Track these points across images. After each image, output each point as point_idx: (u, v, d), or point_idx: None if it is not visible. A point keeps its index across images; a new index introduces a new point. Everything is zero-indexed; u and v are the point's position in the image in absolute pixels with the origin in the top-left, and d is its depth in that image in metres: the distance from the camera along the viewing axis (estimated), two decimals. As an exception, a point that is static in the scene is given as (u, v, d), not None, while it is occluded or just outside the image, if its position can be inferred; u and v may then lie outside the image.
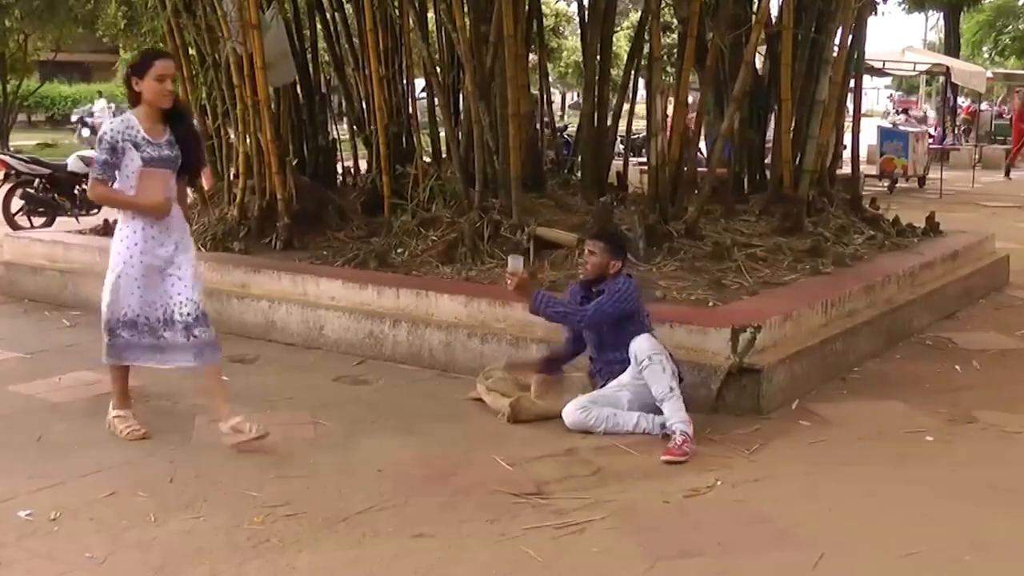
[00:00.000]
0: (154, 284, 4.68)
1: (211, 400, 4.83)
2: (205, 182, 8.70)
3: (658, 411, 4.77)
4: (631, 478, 4.33)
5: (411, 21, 8.73)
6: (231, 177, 8.66)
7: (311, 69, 9.43)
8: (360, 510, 3.97)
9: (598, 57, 8.66)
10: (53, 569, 3.51)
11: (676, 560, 3.59)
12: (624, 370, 4.93)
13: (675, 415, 4.67)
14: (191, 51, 8.94)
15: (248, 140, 8.26)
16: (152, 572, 3.50)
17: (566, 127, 16.84)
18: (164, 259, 4.68)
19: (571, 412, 4.89)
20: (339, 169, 9.74)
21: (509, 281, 5.05)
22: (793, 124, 8.37)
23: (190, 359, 4.71)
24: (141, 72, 4.58)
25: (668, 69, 12.21)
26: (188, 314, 4.68)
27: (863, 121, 10.42)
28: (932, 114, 31.96)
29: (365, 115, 9.15)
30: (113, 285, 4.68)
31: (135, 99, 4.65)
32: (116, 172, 4.62)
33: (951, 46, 32.67)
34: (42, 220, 12.02)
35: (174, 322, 4.68)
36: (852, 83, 9.23)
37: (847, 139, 10.54)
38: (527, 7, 8.15)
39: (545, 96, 9.94)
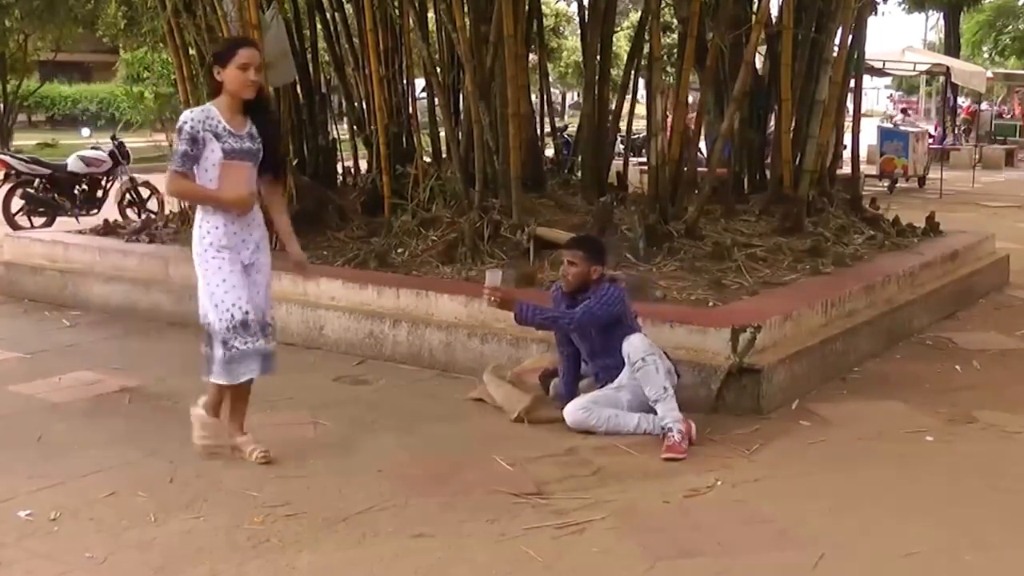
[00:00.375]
0: (246, 287, 4.40)
1: (235, 409, 4.56)
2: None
3: (655, 412, 4.77)
4: (631, 478, 4.34)
5: (411, 21, 8.73)
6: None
7: (311, 69, 9.43)
8: (360, 510, 3.97)
9: (598, 57, 8.66)
10: (53, 569, 3.51)
11: (676, 560, 3.59)
12: (620, 372, 4.94)
13: (669, 414, 4.68)
14: (191, 51, 8.94)
15: (248, 140, 8.25)
16: (152, 572, 3.50)
17: (566, 127, 16.83)
18: (245, 257, 4.42)
19: (573, 412, 4.89)
20: (339, 169, 9.74)
21: (491, 297, 4.98)
22: (793, 124, 8.37)
23: (269, 368, 4.48)
24: (224, 60, 4.32)
25: (668, 69, 12.21)
26: (269, 320, 4.50)
27: (863, 121, 10.42)
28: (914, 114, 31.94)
29: (365, 115, 9.15)
30: (207, 289, 4.35)
31: (216, 89, 4.38)
32: (195, 165, 4.33)
33: (951, 46, 32.69)
34: (42, 220, 12.02)
35: (260, 327, 4.44)
36: (852, 83, 9.23)
37: (847, 139, 10.55)
38: (527, 7, 8.16)
39: (545, 96, 9.93)
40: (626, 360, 4.83)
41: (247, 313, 4.32)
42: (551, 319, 5.05)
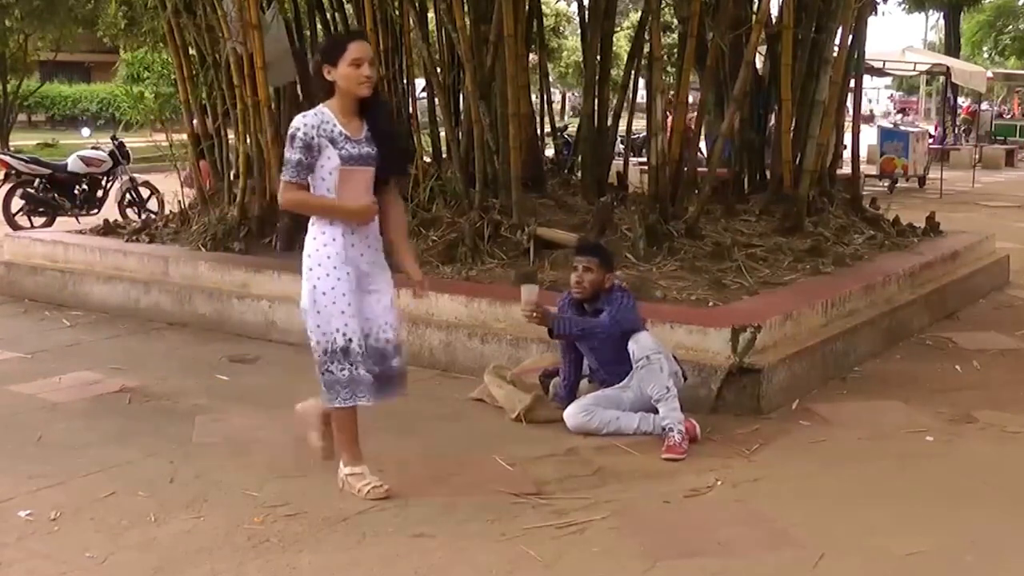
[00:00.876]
0: (361, 308, 4.06)
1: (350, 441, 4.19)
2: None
3: (657, 411, 4.76)
4: (631, 478, 4.34)
5: (411, 21, 8.72)
6: (231, 177, 8.66)
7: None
8: (360, 510, 3.97)
9: (598, 57, 8.66)
10: (53, 569, 3.51)
11: (676, 560, 3.59)
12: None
13: (671, 414, 4.67)
14: (191, 51, 8.94)
15: (248, 140, 8.27)
16: (152, 572, 3.50)
17: (566, 127, 16.82)
18: (363, 273, 4.06)
19: (574, 416, 4.87)
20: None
21: (532, 313, 4.84)
22: (793, 124, 8.36)
23: (391, 393, 4.16)
24: (333, 58, 3.96)
25: (668, 69, 12.20)
26: (388, 341, 4.11)
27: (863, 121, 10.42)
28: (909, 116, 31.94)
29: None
30: (314, 307, 4.00)
31: (327, 90, 4.02)
32: (310, 174, 4.00)
33: (951, 46, 32.71)
34: (42, 220, 12.03)
35: (376, 350, 4.09)
36: (852, 83, 9.23)
37: (847, 139, 10.55)
38: (527, 7, 8.15)
39: (545, 96, 9.93)
40: (631, 357, 4.82)
41: (350, 340, 3.98)
42: (587, 330, 4.92)
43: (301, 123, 3.98)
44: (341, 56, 3.95)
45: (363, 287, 4.05)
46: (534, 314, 4.85)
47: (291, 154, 3.98)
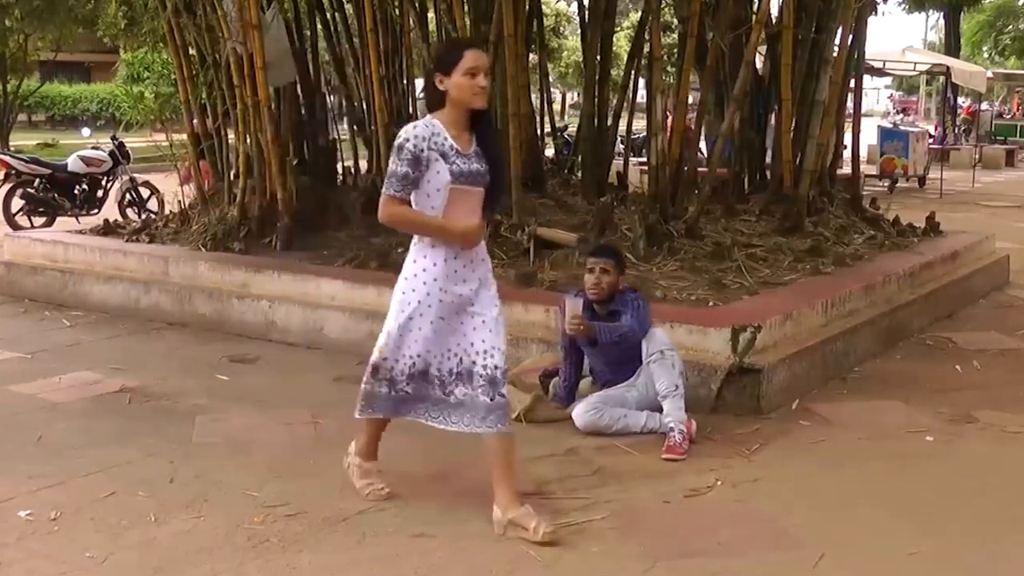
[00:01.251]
0: (451, 328, 3.82)
1: (500, 478, 3.82)
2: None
3: (662, 410, 4.76)
4: (631, 478, 4.33)
5: (411, 21, 8.73)
6: (231, 177, 8.66)
7: (311, 69, 9.43)
8: (360, 510, 3.97)
9: (598, 57, 8.66)
10: (53, 569, 3.51)
11: (676, 560, 3.59)
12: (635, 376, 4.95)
13: (675, 413, 4.68)
14: (191, 51, 8.94)
15: (248, 140, 8.27)
16: (152, 572, 3.50)
17: (566, 127, 16.83)
18: (465, 298, 3.80)
19: (583, 414, 4.87)
20: (339, 169, 9.75)
21: (579, 326, 4.78)
22: (793, 124, 8.37)
23: (481, 422, 3.78)
24: (448, 67, 3.69)
25: (668, 69, 12.20)
26: (495, 366, 3.77)
27: (863, 121, 10.42)
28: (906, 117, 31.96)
29: (365, 115, 9.15)
30: (401, 327, 3.82)
31: (438, 100, 3.75)
32: (415, 190, 3.73)
33: (951, 46, 32.69)
34: (42, 220, 12.03)
35: (473, 376, 3.79)
36: (852, 83, 9.23)
37: (847, 139, 10.55)
38: (527, 7, 8.16)
39: (545, 96, 9.93)
40: (643, 352, 4.82)
41: (428, 365, 3.83)
42: (622, 335, 4.88)
43: (411, 133, 3.70)
44: (456, 65, 3.67)
45: (464, 311, 3.80)
46: (581, 327, 4.81)
47: (397, 166, 3.69)
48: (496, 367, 3.77)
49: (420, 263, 3.80)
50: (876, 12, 10.25)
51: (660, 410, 4.78)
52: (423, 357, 3.82)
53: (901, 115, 26.65)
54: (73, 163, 12.42)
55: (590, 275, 4.93)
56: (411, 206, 3.77)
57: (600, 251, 5.12)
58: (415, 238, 3.85)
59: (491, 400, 3.74)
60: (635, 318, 4.84)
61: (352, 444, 4.17)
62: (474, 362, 3.79)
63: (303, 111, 9.18)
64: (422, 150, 3.68)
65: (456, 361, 3.82)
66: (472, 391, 3.78)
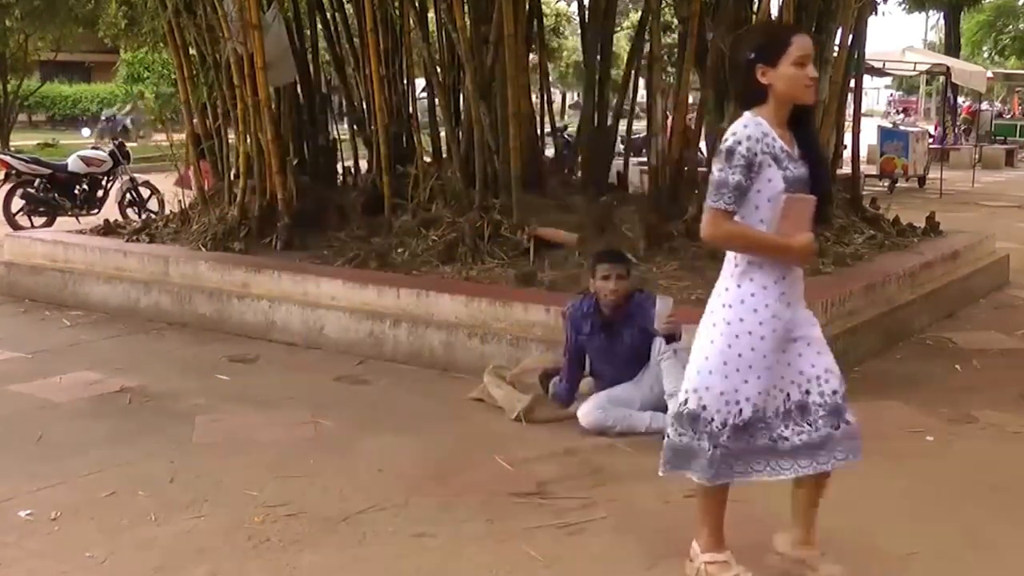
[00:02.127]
0: (780, 362, 3.25)
1: (807, 512, 3.42)
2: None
3: (666, 409, 4.76)
4: (631, 478, 4.33)
5: (411, 21, 8.73)
6: (231, 177, 8.66)
7: (312, 69, 9.43)
8: (360, 510, 3.97)
9: (598, 57, 8.66)
10: (53, 569, 3.52)
11: (676, 560, 3.58)
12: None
13: None
14: (191, 51, 8.94)
15: (248, 140, 8.27)
16: (152, 572, 3.50)
17: (566, 127, 16.82)
18: (790, 322, 3.24)
19: (589, 413, 4.87)
20: (339, 169, 9.75)
21: (672, 326, 4.80)
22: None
23: (834, 458, 3.25)
24: (772, 56, 3.14)
25: (668, 69, 12.20)
26: (834, 392, 3.25)
27: (863, 121, 10.42)
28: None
29: (365, 115, 9.15)
30: (727, 366, 3.20)
31: (757, 96, 3.19)
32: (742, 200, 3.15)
33: (951, 46, 32.69)
34: (42, 220, 12.03)
35: (807, 409, 3.25)
36: (852, 83, 9.22)
37: (847, 139, 10.54)
38: (527, 7, 8.16)
39: (545, 96, 9.93)
40: (654, 350, 4.84)
41: (756, 409, 3.21)
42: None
43: (742, 134, 3.13)
44: (783, 53, 3.14)
45: (789, 336, 3.25)
46: (676, 331, 4.84)
47: (727, 174, 3.12)
48: (835, 392, 3.25)
49: (746, 287, 3.20)
50: (876, 12, 10.22)
51: (663, 409, 4.77)
52: (752, 401, 3.21)
53: (902, 115, 26.63)
54: (73, 163, 12.42)
55: (606, 282, 4.91)
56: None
57: (612, 257, 5.10)
58: (735, 260, 3.24)
59: (837, 430, 3.23)
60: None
61: (693, 545, 3.45)
62: (807, 392, 3.26)
63: (303, 111, 9.17)
64: (755, 153, 3.12)
65: (783, 398, 3.26)
66: (810, 427, 3.24)
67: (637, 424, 4.84)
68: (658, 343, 4.85)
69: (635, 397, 4.92)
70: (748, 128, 3.13)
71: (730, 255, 3.26)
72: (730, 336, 3.20)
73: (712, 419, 3.21)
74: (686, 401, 3.27)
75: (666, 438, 3.35)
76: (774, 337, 3.19)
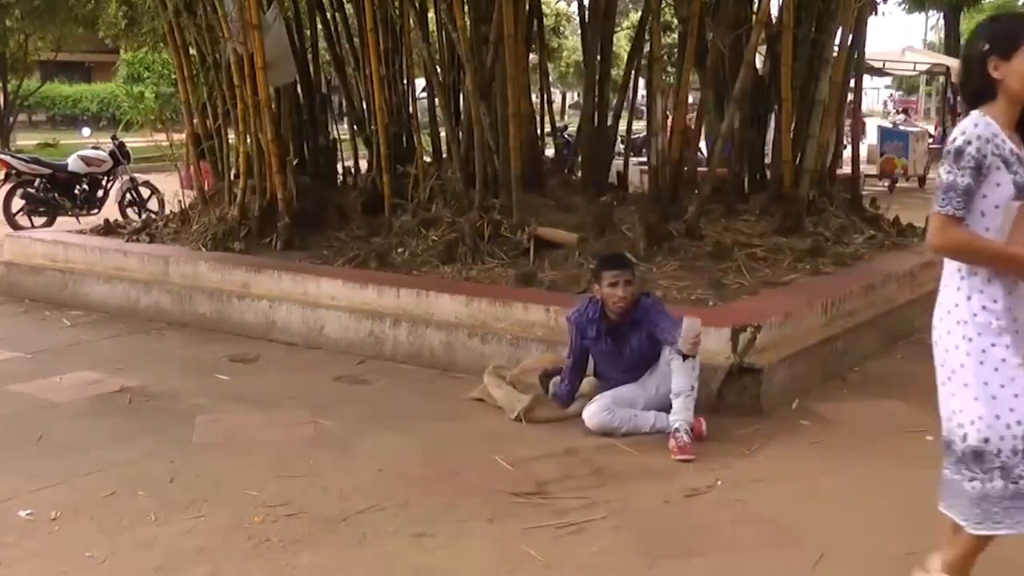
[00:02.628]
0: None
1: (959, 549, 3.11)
2: None
3: (669, 410, 4.76)
4: (631, 478, 4.34)
5: (411, 21, 8.73)
6: (231, 177, 8.67)
7: (312, 69, 9.44)
8: (360, 510, 3.97)
9: (598, 57, 8.66)
10: (53, 569, 3.52)
11: (676, 560, 3.59)
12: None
13: (683, 413, 4.67)
14: (191, 51, 8.94)
15: (249, 140, 8.27)
16: (152, 572, 3.50)
17: (566, 127, 16.83)
18: (1020, 337, 2.91)
19: (596, 414, 4.86)
20: (339, 169, 9.75)
21: (695, 346, 4.73)
22: (793, 124, 8.37)
23: None
24: (1007, 48, 2.84)
25: (668, 69, 12.21)
26: None
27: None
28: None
29: (365, 115, 9.15)
30: (987, 387, 2.85)
31: (985, 92, 2.90)
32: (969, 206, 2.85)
33: (951, 46, 32.65)
34: (43, 220, 12.04)
35: None
36: (852, 83, 9.23)
37: (847, 139, 10.55)
38: (527, 7, 8.16)
39: (545, 96, 9.93)
40: (664, 351, 4.84)
41: (1016, 440, 2.84)
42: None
43: (972, 134, 2.85)
44: (1020, 46, 2.84)
45: (1020, 354, 2.91)
46: (696, 349, 4.78)
47: (956, 176, 2.84)
48: None
49: (976, 300, 2.91)
50: (876, 12, 10.22)
51: (667, 409, 4.78)
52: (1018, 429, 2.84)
53: (902, 115, 26.60)
54: (73, 163, 12.43)
55: (614, 289, 4.88)
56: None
57: (618, 263, 5.06)
58: (960, 272, 2.95)
59: None
60: (670, 320, 4.83)
61: (933, 559, 3.17)
62: None
63: (303, 111, 9.17)
64: (985, 155, 2.84)
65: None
66: None
67: (642, 424, 4.85)
68: (670, 339, 4.83)
69: (639, 397, 4.92)
70: (979, 127, 2.85)
71: (953, 268, 2.97)
72: (965, 355, 2.90)
73: (992, 451, 2.85)
74: (965, 437, 2.88)
75: (950, 483, 2.96)
76: (1011, 353, 2.87)
